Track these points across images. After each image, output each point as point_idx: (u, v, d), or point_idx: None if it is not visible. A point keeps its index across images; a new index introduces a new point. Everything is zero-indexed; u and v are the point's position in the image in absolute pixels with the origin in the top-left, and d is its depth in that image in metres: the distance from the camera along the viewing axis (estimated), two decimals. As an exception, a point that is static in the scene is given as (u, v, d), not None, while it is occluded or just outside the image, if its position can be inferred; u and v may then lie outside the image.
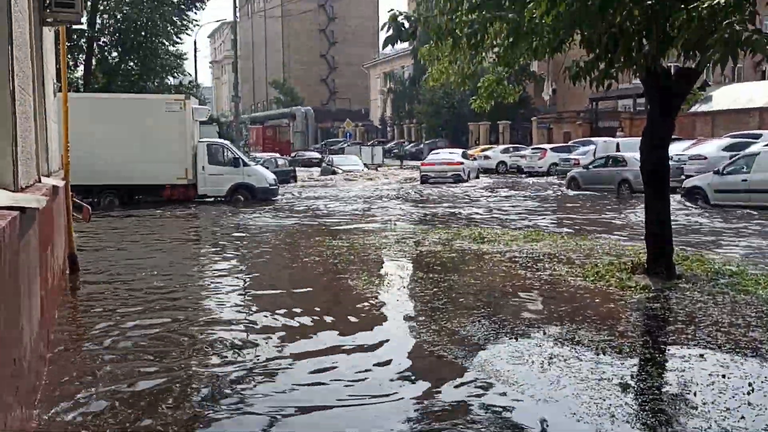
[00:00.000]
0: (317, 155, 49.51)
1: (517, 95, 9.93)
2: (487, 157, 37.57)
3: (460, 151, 34.99)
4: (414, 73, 63.79)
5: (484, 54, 8.39)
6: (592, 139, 33.82)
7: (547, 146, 34.72)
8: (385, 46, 6.94)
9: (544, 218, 15.23)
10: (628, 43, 6.10)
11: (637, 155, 23.07)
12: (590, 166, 23.14)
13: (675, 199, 20.61)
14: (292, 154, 48.59)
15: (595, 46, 6.30)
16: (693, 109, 33.98)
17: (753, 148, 17.52)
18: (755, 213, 14.77)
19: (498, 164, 36.77)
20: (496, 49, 8.11)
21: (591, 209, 17.24)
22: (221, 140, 21.70)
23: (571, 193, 22.04)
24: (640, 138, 7.90)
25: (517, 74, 10.67)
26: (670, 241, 7.81)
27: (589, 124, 42.04)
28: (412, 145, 56.05)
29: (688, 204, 16.88)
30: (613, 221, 14.50)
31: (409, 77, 66.51)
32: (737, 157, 17.03)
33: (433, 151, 34.54)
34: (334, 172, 33.53)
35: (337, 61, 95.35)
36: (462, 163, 29.97)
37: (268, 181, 20.09)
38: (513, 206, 18.31)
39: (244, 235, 12.58)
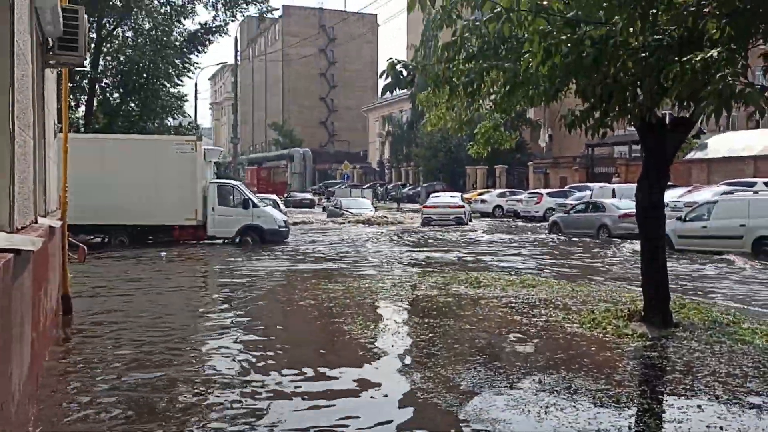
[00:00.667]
0: (310, 196, 49.74)
1: (513, 141, 10.02)
2: (483, 201, 37.88)
3: (458, 194, 35.35)
4: (412, 117, 64.63)
5: (480, 101, 8.51)
6: (589, 184, 34.23)
7: (544, 191, 35.19)
8: (384, 93, 7.05)
9: (538, 263, 15.46)
10: (623, 94, 6.20)
11: (615, 201, 22.72)
12: (571, 212, 24.18)
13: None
14: (285, 195, 48.68)
15: (590, 96, 6.41)
16: (689, 156, 34.46)
17: (705, 196, 19.73)
18: (714, 256, 15.90)
19: (494, 208, 37.13)
20: (492, 97, 8.23)
21: (584, 254, 17.72)
22: (232, 181, 21.73)
23: (555, 237, 22.69)
24: (636, 184, 7.99)
25: (513, 120, 10.79)
26: (666, 287, 7.80)
27: (585, 169, 42.52)
28: (409, 188, 56.46)
29: None
30: (606, 267, 14.81)
31: (407, 121, 67.25)
32: (697, 205, 18.32)
33: (432, 195, 34.77)
34: (341, 215, 31.84)
35: (336, 105, 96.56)
36: (463, 207, 30.78)
37: (278, 223, 20.04)
38: (509, 250, 18.54)
39: (244, 281, 12.26)
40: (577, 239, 21.68)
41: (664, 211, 7.92)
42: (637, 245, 17.17)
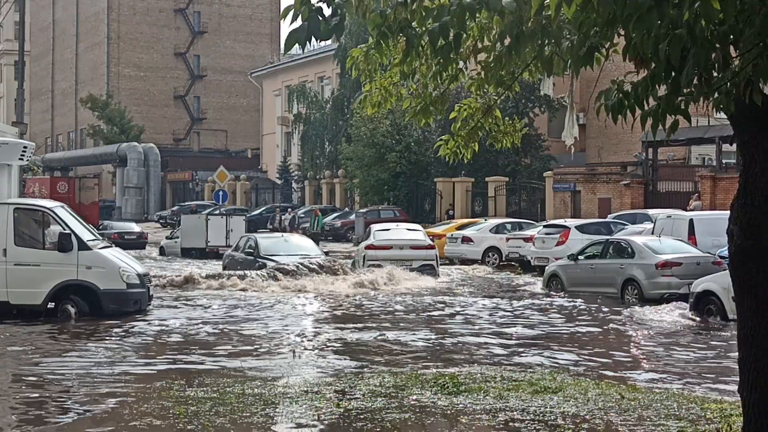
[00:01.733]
0: (137, 229, 51.52)
1: (518, 135, 10.14)
2: (467, 240, 38.51)
3: (419, 227, 36.26)
4: (341, 91, 65.12)
5: (461, 64, 8.58)
6: (648, 211, 34.86)
7: (572, 222, 35.98)
8: (289, 46, 7.01)
9: (557, 346, 16.67)
10: (706, 55, 6.33)
11: (652, 241, 26.69)
12: (580, 257, 26.34)
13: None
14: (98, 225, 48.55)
15: (649, 59, 6.53)
16: None
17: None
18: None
19: (486, 251, 37.73)
20: (482, 57, 8.31)
21: (609, 329, 19.29)
22: (44, 201, 21.90)
23: (552, 299, 24.53)
24: (729, 210, 8.11)
25: (518, 100, 10.99)
26: None
27: (642, 185, 43.27)
28: (335, 216, 56.69)
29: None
30: (657, 352, 15.76)
31: (331, 97, 67.64)
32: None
33: (377, 228, 34.87)
34: (257, 266, 30.65)
35: (204, 66, 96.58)
36: (433, 247, 32.24)
37: (127, 279, 20.35)
38: (508, 323, 19.18)
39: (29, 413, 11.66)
40: (589, 303, 23.07)
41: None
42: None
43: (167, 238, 48.64)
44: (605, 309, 22.35)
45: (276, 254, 31.15)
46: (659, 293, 23.18)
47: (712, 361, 15.60)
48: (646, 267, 23.73)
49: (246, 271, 29.21)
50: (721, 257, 21.73)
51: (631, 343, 17.99)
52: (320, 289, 26.68)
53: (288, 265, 29.47)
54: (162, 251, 46.18)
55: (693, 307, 20.48)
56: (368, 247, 32.16)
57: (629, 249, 24.81)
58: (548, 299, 24.68)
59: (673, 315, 20.71)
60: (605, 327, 19.83)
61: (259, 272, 29.16)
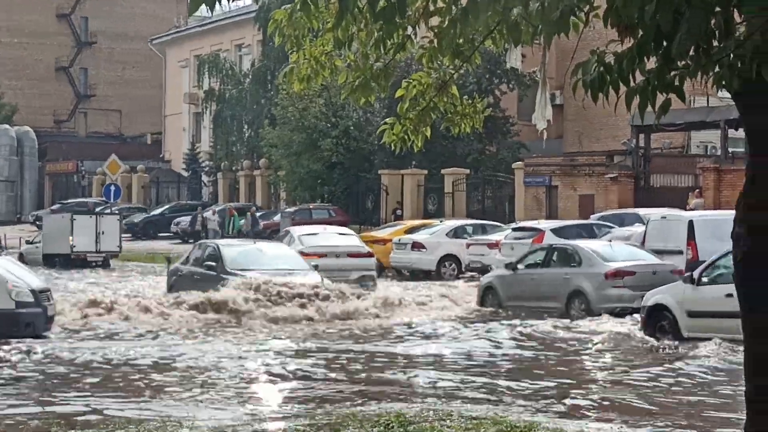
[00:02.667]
0: None
1: (480, 118, 10.15)
2: (418, 246, 38.48)
3: (350, 231, 37.11)
4: (263, 62, 65.25)
5: (409, 30, 8.61)
6: (639, 211, 35.49)
7: (547, 224, 36.40)
8: (195, 7, 6.97)
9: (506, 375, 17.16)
10: (704, 20, 6.39)
11: (600, 246, 28.81)
12: (519, 266, 27.31)
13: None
14: None
15: (635, 25, 6.58)
16: None
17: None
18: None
19: (442, 260, 37.91)
20: (434, 22, 8.34)
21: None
22: None
23: (487, 317, 25.35)
24: (735, 210, 8.07)
25: (480, 75, 11.06)
26: None
27: (631, 179, 43.62)
28: (245, 221, 54.46)
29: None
30: (637, 389, 16.14)
31: (251, 70, 67.86)
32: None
33: (301, 233, 34.90)
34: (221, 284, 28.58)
35: (94, 29, 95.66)
36: (372, 255, 32.94)
37: (15, 297, 20.42)
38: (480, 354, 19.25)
39: None
40: (533, 320, 23.74)
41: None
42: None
43: (27, 242, 48.67)
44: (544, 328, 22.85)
45: (247, 268, 29.00)
46: (609, 307, 23.85)
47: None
48: (594, 277, 24.61)
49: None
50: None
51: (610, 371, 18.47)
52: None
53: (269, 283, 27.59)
54: (21, 258, 44.28)
55: (644, 324, 21.14)
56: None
57: (576, 256, 25.71)
58: (478, 312, 26.25)
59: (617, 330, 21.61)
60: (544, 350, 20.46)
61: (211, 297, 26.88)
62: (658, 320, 20.74)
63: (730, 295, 17.02)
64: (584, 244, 27.29)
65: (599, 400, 15.17)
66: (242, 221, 53.83)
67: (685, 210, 35.39)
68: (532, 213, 45.24)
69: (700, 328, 19.83)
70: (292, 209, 52.40)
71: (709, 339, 19.14)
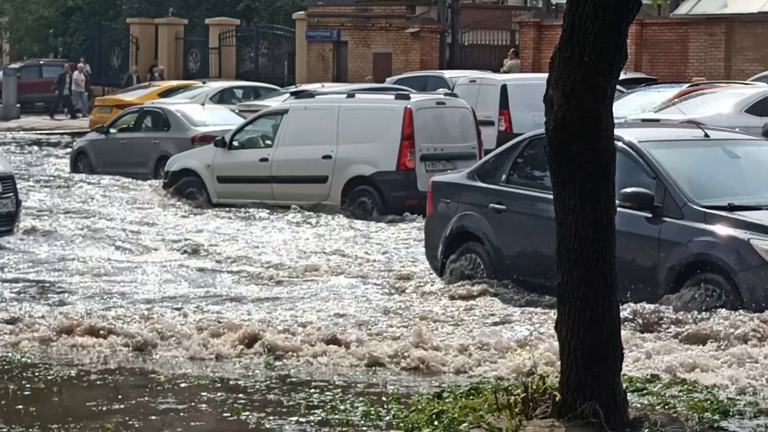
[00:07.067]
0: None
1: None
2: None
3: None
4: None
5: None
6: (445, 73, 36.52)
7: (331, 88, 34.67)
8: None
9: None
10: None
11: (191, 109, 32.15)
12: (111, 130, 29.69)
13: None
14: None
15: None
16: (683, 12, 38.46)
17: (274, 105, 27.29)
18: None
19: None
20: None
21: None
22: None
23: (84, 183, 26.70)
24: (549, 68, 8.59)
25: None
26: (618, 333, 8.59)
27: (437, 34, 44.41)
28: None
29: (177, 203, 23.96)
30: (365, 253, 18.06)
31: None
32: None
33: None
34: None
35: None
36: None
37: None
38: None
39: None
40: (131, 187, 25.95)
41: (612, 134, 8.47)
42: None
43: None
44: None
45: None
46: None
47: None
48: (180, 142, 26.55)
49: None
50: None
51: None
52: None
53: None
54: None
55: (168, 186, 23.39)
56: None
57: (165, 119, 28.24)
58: (74, 181, 27.58)
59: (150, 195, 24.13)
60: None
61: None
62: (187, 186, 22.90)
63: (264, 160, 21.10)
64: (175, 107, 29.62)
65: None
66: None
67: (499, 73, 36.31)
68: (316, 74, 45.59)
69: (231, 193, 22.15)
70: (16, 66, 49.39)
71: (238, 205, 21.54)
